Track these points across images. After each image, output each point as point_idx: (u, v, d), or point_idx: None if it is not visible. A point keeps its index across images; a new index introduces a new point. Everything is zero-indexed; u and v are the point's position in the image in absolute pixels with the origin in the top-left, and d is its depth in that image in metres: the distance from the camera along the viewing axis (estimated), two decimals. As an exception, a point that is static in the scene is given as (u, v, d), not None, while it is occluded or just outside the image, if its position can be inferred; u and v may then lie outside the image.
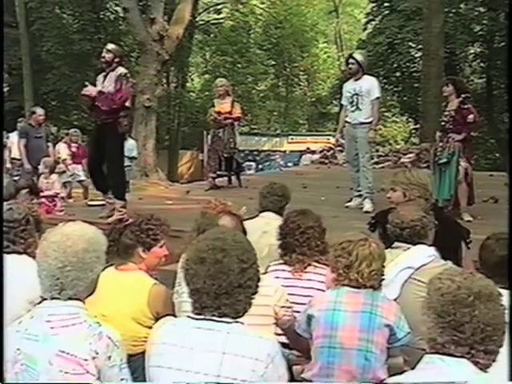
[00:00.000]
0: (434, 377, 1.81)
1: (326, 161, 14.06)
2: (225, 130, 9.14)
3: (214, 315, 2.07)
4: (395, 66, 22.34)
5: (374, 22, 23.97)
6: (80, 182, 10.85)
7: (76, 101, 22.23)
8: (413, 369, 1.99)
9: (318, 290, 3.30)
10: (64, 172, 10.64)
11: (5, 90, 25.42)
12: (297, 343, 3.13)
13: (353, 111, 7.46)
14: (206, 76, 31.02)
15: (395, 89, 23.98)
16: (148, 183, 12.29)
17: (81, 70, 22.38)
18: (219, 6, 31.03)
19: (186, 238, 3.56)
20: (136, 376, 2.47)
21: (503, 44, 19.50)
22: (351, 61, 7.54)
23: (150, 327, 2.72)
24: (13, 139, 11.05)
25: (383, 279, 2.86)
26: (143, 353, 2.36)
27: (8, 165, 11.16)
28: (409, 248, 3.27)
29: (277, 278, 3.43)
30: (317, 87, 32.93)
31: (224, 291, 2.06)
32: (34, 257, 2.97)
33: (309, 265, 3.48)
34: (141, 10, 14.82)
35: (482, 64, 23.23)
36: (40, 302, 2.39)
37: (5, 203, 4.54)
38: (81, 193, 10.88)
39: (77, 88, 18.57)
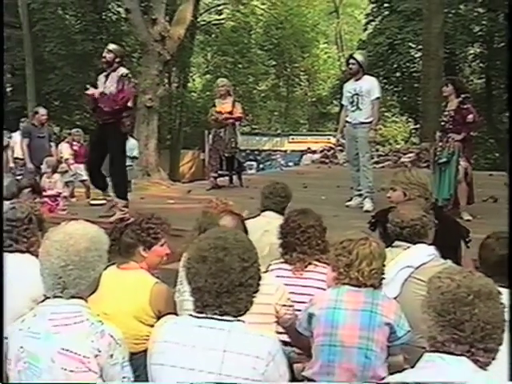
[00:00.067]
0: (434, 375, 1.82)
1: (327, 160, 14.05)
2: (226, 130, 9.15)
3: (215, 314, 2.08)
4: (395, 66, 22.33)
5: (374, 23, 23.96)
6: (82, 181, 10.81)
7: (78, 101, 22.28)
8: (413, 367, 1.99)
9: (319, 288, 3.31)
10: (66, 171, 10.65)
11: (8, 90, 25.54)
12: (298, 341, 3.15)
13: (353, 111, 7.48)
14: (208, 76, 31.03)
15: (395, 89, 23.97)
16: (150, 183, 12.28)
17: (83, 71, 22.43)
18: (220, 7, 31.06)
19: (187, 237, 3.56)
20: (138, 374, 2.48)
21: (502, 44, 19.54)
22: (352, 61, 7.56)
23: (152, 326, 2.76)
24: (16, 139, 11.09)
25: (383, 278, 2.87)
26: (145, 351, 2.37)
27: (11, 164, 11.15)
28: (409, 247, 3.29)
29: (278, 276, 3.44)
30: (317, 87, 32.92)
31: (225, 290, 2.06)
32: (37, 255, 2.98)
33: (309, 264, 3.49)
34: (143, 10, 14.80)
35: (481, 64, 23.22)
36: (43, 301, 2.41)
37: (8, 202, 4.51)
38: (83, 192, 10.88)
39: (79, 88, 18.65)
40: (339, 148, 13.33)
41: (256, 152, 23.00)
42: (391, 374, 2.42)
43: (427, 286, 1.93)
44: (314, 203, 5.93)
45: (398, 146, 19.60)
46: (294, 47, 30.76)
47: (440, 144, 7.01)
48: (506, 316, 1.85)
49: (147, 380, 2.22)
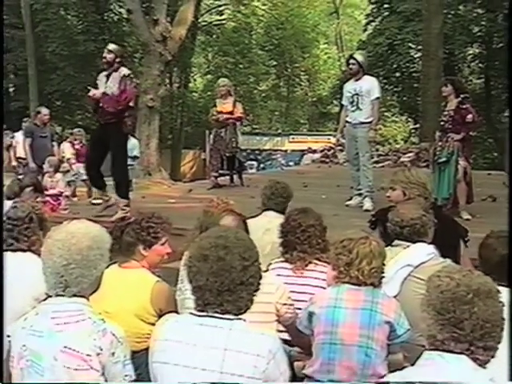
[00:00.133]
0: (434, 373, 1.82)
1: (327, 160, 14.08)
2: (227, 130, 9.20)
3: (216, 312, 2.09)
4: (395, 66, 22.34)
5: (374, 23, 23.96)
6: (84, 180, 10.73)
7: (80, 101, 22.28)
8: (412, 365, 1.99)
9: (319, 287, 3.31)
10: (68, 171, 10.68)
11: (10, 90, 25.60)
12: (298, 340, 3.15)
13: (353, 111, 7.50)
14: (209, 76, 31.07)
15: (395, 89, 23.97)
16: (151, 182, 12.24)
17: (85, 71, 22.43)
18: (221, 8, 31.06)
19: (188, 236, 3.57)
20: (139, 372, 2.48)
21: (501, 45, 19.55)
22: (352, 61, 7.58)
23: (153, 324, 2.79)
24: (18, 139, 11.10)
25: (383, 277, 2.88)
26: (147, 349, 2.39)
27: (14, 163, 11.20)
28: (408, 246, 3.29)
29: (278, 275, 3.44)
30: (317, 87, 32.93)
31: (226, 288, 2.07)
32: (38, 254, 2.99)
33: (310, 262, 3.50)
34: (144, 11, 14.75)
35: (480, 64, 23.22)
36: (45, 299, 2.42)
37: (10, 201, 4.63)
38: (85, 191, 10.91)
39: (81, 88, 18.71)
40: (339, 148, 13.36)
41: (257, 152, 22.99)
42: (391, 371, 2.43)
43: (427, 285, 1.93)
44: (315, 202, 5.94)
45: (397, 146, 19.60)
46: (295, 47, 30.79)
47: (439, 144, 7.03)
48: (505, 314, 1.85)
49: (149, 378, 2.22)
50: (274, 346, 2.08)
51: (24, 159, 10.41)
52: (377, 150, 13.57)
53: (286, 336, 3.17)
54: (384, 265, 2.87)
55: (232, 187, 9.48)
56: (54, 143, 10.51)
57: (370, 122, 7.46)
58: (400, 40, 21.18)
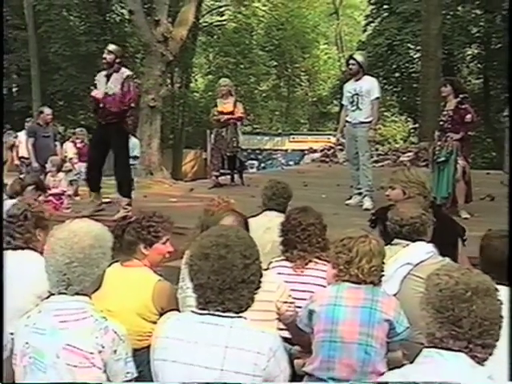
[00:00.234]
0: (433, 371, 1.83)
1: (327, 159, 14.10)
2: (228, 130, 9.23)
3: (217, 310, 2.09)
4: (394, 66, 22.36)
5: (373, 24, 23.95)
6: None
7: (82, 101, 22.25)
8: (412, 363, 2.00)
9: (319, 285, 3.33)
10: (71, 170, 10.75)
11: (13, 90, 25.67)
12: (298, 338, 3.15)
13: (353, 111, 7.53)
14: (210, 76, 31.03)
15: (394, 89, 23.98)
16: (152, 181, 12.14)
17: (87, 71, 22.31)
18: (222, 9, 31.04)
19: (189, 235, 3.57)
20: (141, 370, 2.48)
21: (500, 45, 19.58)
22: (352, 61, 7.61)
23: (155, 322, 2.77)
24: (21, 138, 11.19)
25: (383, 275, 2.88)
26: (148, 347, 2.38)
27: (16, 162, 11.30)
28: (408, 245, 3.30)
29: (279, 273, 3.45)
30: (318, 87, 32.90)
31: (228, 286, 2.08)
32: (34, 250, 3.14)
33: (310, 261, 3.50)
34: (146, 12, 14.64)
35: (479, 65, 23.21)
36: (48, 297, 2.43)
37: (11, 200, 4.68)
38: (87, 191, 10.81)
39: (83, 88, 18.75)
40: (339, 147, 13.36)
41: (257, 151, 22.90)
42: (390, 369, 2.44)
43: (426, 283, 1.94)
44: (315, 201, 5.94)
45: (397, 146, 19.63)
46: (295, 48, 30.79)
47: (439, 143, 7.06)
48: (504, 312, 1.86)
49: (150, 376, 2.23)
50: (274, 344, 2.09)
51: (27, 159, 10.47)
52: (376, 149, 13.57)
53: (286, 334, 3.18)
54: (384, 263, 2.88)
55: (233, 186, 9.51)
56: (57, 143, 10.58)
57: (369, 122, 7.49)
58: (399, 40, 21.20)
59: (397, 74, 23.38)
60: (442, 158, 6.98)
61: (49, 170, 9.31)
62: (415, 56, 21.85)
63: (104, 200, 7.97)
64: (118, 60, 6.95)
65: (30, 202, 3.61)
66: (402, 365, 2.33)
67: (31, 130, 10.47)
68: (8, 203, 4.22)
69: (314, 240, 3.53)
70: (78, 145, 11.78)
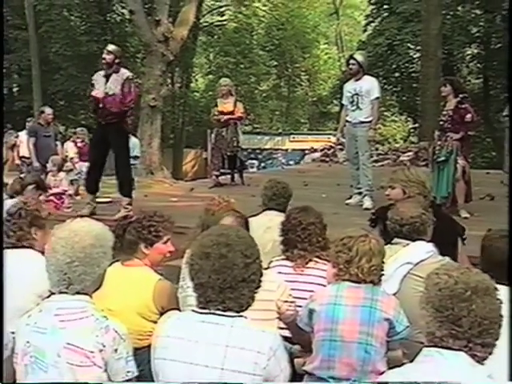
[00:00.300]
0: (433, 369, 1.83)
1: (327, 159, 14.09)
2: (228, 129, 9.24)
3: (218, 309, 2.10)
4: (394, 66, 22.35)
5: (373, 24, 23.92)
6: None
7: (83, 100, 22.18)
8: (411, 362, 2.00)
9: (319, 284, 3.33)
10: (72, 170, 10.77)
11: (14, 90, 25.70)
12: (299, 337, 3.15)
13: (353, 111, 7.53)
14: (210, 76, 31.09)
15: (394, 89, 23.95)
16: (153, 181, 12.16)
17: (88, 71, 22.18)
18: (222, 9, 31.04)
19: (190, 234, 3.57)
20: (141, 369, 2.49)
21: (500, 45, 19.57)
22: (352, 61, 7.60)
23: (155, 322, 2.78)
24: (22, 138, 11.21)
25: (383, 274, 2.88)
26: (149, 346, 2.38)
27: (17, 161, 11.36)
28: (408, 244, 3.31)
29: (279, 273, 3.45)
30: (318, 87, 32.90)
31: (228, 285, 2.08)
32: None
33: (310, 260, 3.50)
34: (146, 12, 14.59)
35: (478, 65, 23.18)
36: (48, 296, 2.44)
37: (11, 200, 4.69)
38: None
39: (84, 88, 18.66)
40: (339, 147, 13.34)
41: (257, 151, 22.92)
42: (390, 368, 2.44)
43: (425, 283, 1.94)
44: (315, 201, 5.92)
45: (397, 145, 19.61)
46: (295, 48, 30.82)
47: (438, 143, 7.06)
48: (503, 312, 1.87)
49: (151, 375, 2.23)
50: (274, 343, 2.10)
51: (27, 158, 10.49)
52: (376, 149, 13.56)
53: (286, 333, 3.19)
54: (383, 263, 2.88)
55: (233, 186, 9.51)
56: (58, 142, 10.61)
57: (369, 122, 7.49)
58: (399, 40, 21.19)
59: (397, 74, 23.36)
60: (442, 158, 6.99)
61: (50, 170, 9.31)
62: (415, 56, 21.82)
63: (105, 200, 7.98)
64: (117, 60, 6.95)
65: (27, 200, 3.63)
66: (402, 364, 2.35)
67: (32, 130, 10.49)
68: (8, 203, 4.23)
69: (314, 239, 3.53)
70: (79, 144, 11.80)
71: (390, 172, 4.51)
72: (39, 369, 2.28)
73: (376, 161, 12.24)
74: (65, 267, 2.30)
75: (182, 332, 2.13)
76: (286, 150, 23.00)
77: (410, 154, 13.22)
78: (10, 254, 3.03)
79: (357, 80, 7.59)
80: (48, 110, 10.46)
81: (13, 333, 2.46)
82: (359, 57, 7.74)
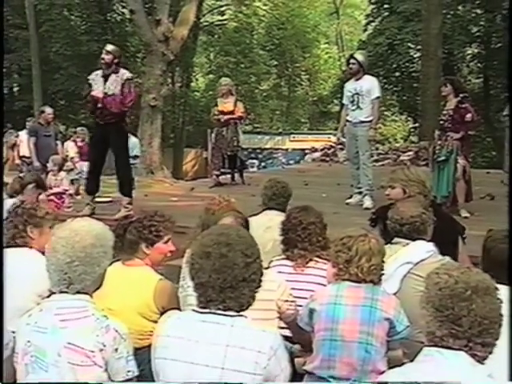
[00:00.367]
0: (433, 369, 1.83)
1: (327, 158, 14.10)
2: (228, 129, 9.24)
3: (218, 309, 2.10)
4: (395, 66, 22.35)
5: (374, 24, 23.94)
6: None
7: (83, 100, 22.34)
8: (412, 361, 2.00)
9: (320, 284, 3.32)
10: (72, 169, 10.80)
11: (15, 89, 25.72)
12: (299, 336, 3.15)
13: (353, 110, 7.53)
14: (210, 76, 31.11)
15: (395, 88, 23.95)
16: (153, 180, 12.22)
17: (88, 71, 22.12)
18: (223, 8, 31.01)
19: (190, 234, 3.57)
20: (142, 368, 2.49)
21: (500, 45, 19.59)
22: (352, 61, 7.60)
23: (156, 321, 2.74)
24: (22, 137, 11.21)
25: (383, 274, 2.88)
26: (149, 346, 2.37)
27: (17, 161, 11.38)
28: (408, 243, 3.30)
29: (279, 272, 3.45)
30: (318, 87, 32.89)
31: (229, 285, 2.08)
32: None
33: (310, 260, 3.50)
34: (147, 11, 14.62)
35: (479, 64, 23.20)
36: (48, 296, 2.44)
37: (11, 200, 4.71)
38: None
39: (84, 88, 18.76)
40: (339, 146, 13.36)
41: (258, 150, 22.91)
42: (390, 367, 2.43)
43: (425, 282, 1.94)
44: (315, 201, 5.93)
45: (397, 145, 19.65)
46: (296, 47, 30.82)
47: (439, 142, 7.07)
48: (504, 311, 1.87)
49: (151, 374, 2.23)
50: (275, 343, 2.09)
51: (28, 158, 10.50)
52: (377, 148, 13.56)
53: (287, 333, 3.19)
54: (383, 262, 2.88)
55: (233, 185, 9.50)
56: (58, 142, 10.62)
57: (370, 121, 7.49)
58: (400, 40, 21.18)
59: (397, 74, 23.36)
60: (443, 157, 6.99)
61: (50, 169, 9.32)
62: (415, 55, 21.84)
63: (105, 199, 7.98)
64: (116, 60, 6.94)
65: (25, 198, 3.63)
66: (403, 363, 2.35)
67: (32, 130, 10.50)
68: (8, 202, 4.28)
69: (314, 239, 3.52)
70: (79, 144, 11.81)
71: (390, 172, 4.51)
72: (40, 368, 2.29)
73: (376, 160, 12.24)
74: (65, 267, 2.30)
75: (183, 331, 2.13)
76: (287, 149, 23.00)
77: (410, 153, 13.22)
78: (10, 254, 3.03)
79: (357, 79, 7.59)
80: (48, 110, 10.47)
81: (13, 332, 2.46)
82: (359, 56, 7.74)
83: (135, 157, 11.25)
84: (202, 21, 27.55)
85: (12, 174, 8.85)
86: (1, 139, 9.62)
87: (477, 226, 4.57)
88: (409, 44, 21.72)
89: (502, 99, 19.23)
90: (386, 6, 23.06)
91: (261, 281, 2.19)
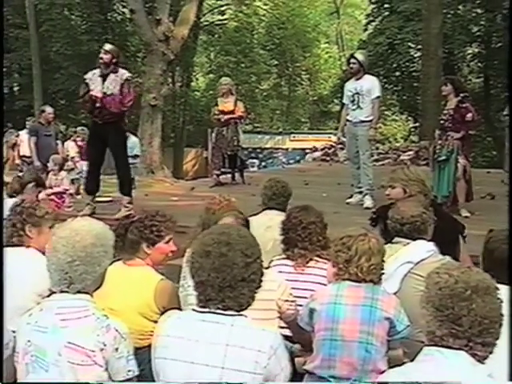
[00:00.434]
0: (433, 369, 1.83)
1: (328, 158, 14.07)
2: (228, 129, 9.23)
3: (218, 308, 2.10)
4: (395, 65, 22.31)
5: (374, 23, 23.91)
6: None
7: (80, 99, 22.35)
8: (412, 361, 2.00)
9: (320, 284, 3.33)
10: (73, 169, 10.83)
11: (15, 89, 25.73)
12: (299, 336, 3.15)
13: (354, 110, 7.53)
14: (211, 75, 31.08)
15: (395, 88, 23.92)
16: (154, 180, 12.18)
17: (88, 70, 22.41)
18: (223, 8, 30.95)
19: (190, 233, 3.58)
20: (142, 368, 2.50)
21: (500, 44, 19.56)
22: (352, 60, 7.60)
23: (156, 322, 2.72)
24: (23, 137, 11.22)
25: (383, 273, 2.88)
26: (149, 346, 2.38)
27: (17, 161, 11.40)
28: (408, 243, 3.30)
29: (280, 272, 3.45)
30: (318, 86, 32.87)
31: (228, 284, 2.08)
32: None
33: (310, 259, 3.50)
34: (147, 11, 14.62)
35: (479, 64, 23.17)
36: (49, 295, 2.45)
37: (11, 199, 4.69)
38: None
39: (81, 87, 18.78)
40: (340, 146, 13.36)
41: (258, 150, 22.87)
42: (391, 367, 2.43)
43: (426, 282, 1.94)
44: (315, 200, 5.94)
45: (397, 144, 19.63)
46: (296, 47, 30.79)
47: (439, 142, 7.07)
48: (504, 311, 1.87)
49: (151, 374, 2.23)
50: (275, 342, 2.09)
51: (28, 157, 10.51)
52: (377, 148, 13.56)
53: (287, 332, 3.19)
54: (383, 262, 2.88)
55: (234, 185, 9.50)
56: (59, 142, 10.63)
57: (370, 121, 7.49)
58: (400, 39, 21.15)
59: (397, 73, 23.33)
60: (443, 157, 6.99)
61: (51, 169, 9.32)
62: (416, 55, 21.81)
63: (105, 199, 7.97)
64: (114, 60, 6.93)
65: (22, 197, 3.65)
66: (403, 363, 2.36)
67: (33, 129, 10.50)
68: (8, 202, 4.24)
69: (314, 238, 3.53)
70: (80, 143, 11.82)
71: (390, 171, 4.51)
72: (40, 368, 2.29)
73: (377, 160, 12.23)
74: (66, 266, 2.30)
75: (182, 331, 2.13)
76: (287, 149, 22.97)
77: (410, 153, 13.22)
78: (10, 253, 3.03)
79: (357, 79, 7.59)
80: (49, 109, 10.47)
81: (14, 331, 2.45)
82: (360, 56, 7.74)
83: (135, 156, 11.28)
84: (202, 20, 27.56)
85: (12, 173, 8.85)
86: (1, 139, 9.62)
87: (477, 226, 4.58)
88: (409, 43, 21.68)
89: (502, 99, 19.24)
90: (386, 5, 23.03)
91: (261, 281, 2.19)
